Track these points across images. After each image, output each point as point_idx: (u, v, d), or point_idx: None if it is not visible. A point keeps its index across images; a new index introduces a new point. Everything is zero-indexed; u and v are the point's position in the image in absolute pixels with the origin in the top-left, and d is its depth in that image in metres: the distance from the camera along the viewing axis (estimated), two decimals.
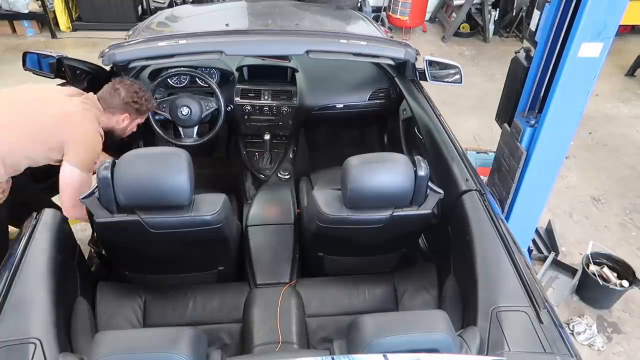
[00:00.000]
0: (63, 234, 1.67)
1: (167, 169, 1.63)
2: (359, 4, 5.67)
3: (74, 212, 1.96)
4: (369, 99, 2.83)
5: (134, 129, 2.30)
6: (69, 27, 5.87)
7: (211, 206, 1.72)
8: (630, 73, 5.59)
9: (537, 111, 2.39)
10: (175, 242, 1.81)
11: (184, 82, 2.68)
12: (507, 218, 2.59)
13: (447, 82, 2.57)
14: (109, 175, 1.61)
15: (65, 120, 1.97)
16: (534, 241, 3.19)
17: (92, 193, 1.69)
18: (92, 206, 1.69)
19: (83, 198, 1.70)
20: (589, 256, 2.90)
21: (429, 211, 1.80)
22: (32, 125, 1.95)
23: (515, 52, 2.54)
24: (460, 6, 6.16)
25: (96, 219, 1.69)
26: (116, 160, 1.64)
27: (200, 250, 1.91)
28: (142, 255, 1.90)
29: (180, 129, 2.61)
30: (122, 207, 1.67)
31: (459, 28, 6.28)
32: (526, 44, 2.50)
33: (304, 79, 2.82)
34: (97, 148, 2.03)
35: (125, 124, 2.21)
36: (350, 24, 2.97)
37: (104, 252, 2.05)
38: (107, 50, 2.22)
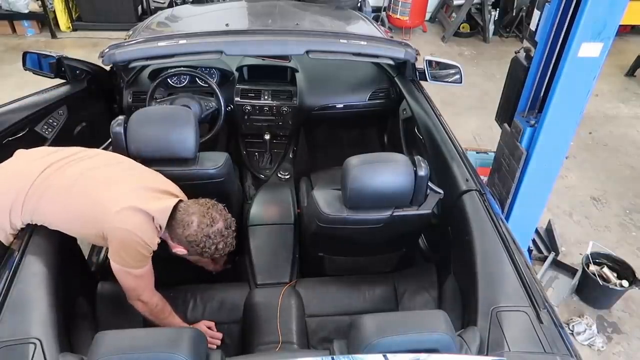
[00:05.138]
0: (63, 234, 1.66)
1: (174, 124, 1.79)
2: (359, 4, 5.66)
3: (142, 307, 1.70)
4: (369, 99, 2.83)
5: (193, 261, 1.90)
6: (69, 27, 5.86)
7: (214, 161, 1.90)
8: (630, 73, 5.59)
9: (537, 111, 2.39)
10: None
11: (184, 82, 2.68)
12: (507, 218, 2.59)
13: (447, 82, 2.57)
14: (122, 131, 1.76)
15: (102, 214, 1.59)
16: (534, 241, 3.19)
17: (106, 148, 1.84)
18: None
19: None
20: (589, 256, 2.90)
21: (429, 211, 1.80)
22: (76, 205, 1.61)
23: (515, 52, 2.53)
24: (460, 6, 6.15)
25: None
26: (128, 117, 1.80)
27: None
28: None
29: None
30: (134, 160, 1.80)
31: (459, 28, 6.27)
32: (526, 44, 2.50)
33: (304, 79, 2.81)
34: (137, 248, 1.60)
35: (180, 253, 1.73)
36: (350, 24, 2.97)
37: None
38: (107, 50, 2.22)
